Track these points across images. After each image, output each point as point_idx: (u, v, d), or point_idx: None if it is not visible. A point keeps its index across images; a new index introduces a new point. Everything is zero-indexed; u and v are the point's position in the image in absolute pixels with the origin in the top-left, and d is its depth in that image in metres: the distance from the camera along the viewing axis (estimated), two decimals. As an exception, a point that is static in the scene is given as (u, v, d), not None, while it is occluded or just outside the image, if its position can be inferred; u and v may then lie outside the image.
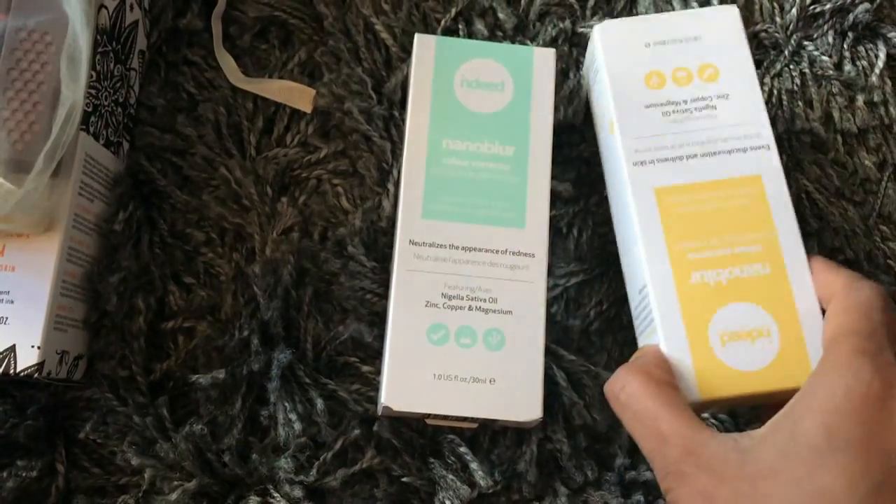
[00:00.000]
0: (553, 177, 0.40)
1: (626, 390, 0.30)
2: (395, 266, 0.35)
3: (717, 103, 0.36)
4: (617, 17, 0.44)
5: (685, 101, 0.36)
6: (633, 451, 0.38)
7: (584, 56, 0.43)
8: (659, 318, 0.33)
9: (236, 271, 0.39)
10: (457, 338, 0.34)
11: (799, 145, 0.43)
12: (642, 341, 0.35)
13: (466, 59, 0.37)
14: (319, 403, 0.36)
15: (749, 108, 0.36)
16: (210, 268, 0.40)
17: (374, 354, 0.38)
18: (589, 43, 0.40)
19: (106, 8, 0.36)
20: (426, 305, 0.34)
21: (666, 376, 0.31)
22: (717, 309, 0.33)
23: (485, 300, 0.35)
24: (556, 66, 0.40)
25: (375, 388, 0.38)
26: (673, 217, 0.34)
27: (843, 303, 0.29)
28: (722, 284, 0.33)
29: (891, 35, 0.44)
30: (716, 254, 0.34)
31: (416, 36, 0.37)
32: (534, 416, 0.34)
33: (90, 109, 0.36)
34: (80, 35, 0.33)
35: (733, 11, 0.38)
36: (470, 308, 0.35)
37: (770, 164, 0.35)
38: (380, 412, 0.35)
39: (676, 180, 0.35)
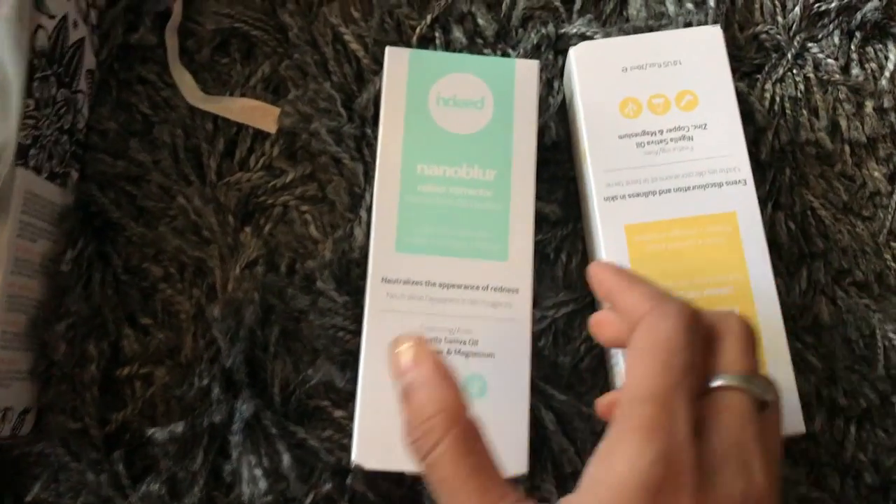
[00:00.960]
0: (539, 197, 0.37)
1: (433, 454, 0.25)
2: (366, 307, 0.32)
3: (693, 134, 0.35)
4: (605, 20, 0.41)
5: (661, 132, 0.35)
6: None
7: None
8: (622, 367, 0.31)
9: (197, 309, 0.36)
10: None
11: (803, 158, 0.39)
12: (612, 383, 0.34)
13: (442, 73, 0.34)
14: (286, 459, 0.33)
15: (727, 140, 0.35)
16: (169, 306, 0.37)
17: (348, 397, 0.36)
18: (566, 64, 0.37)
19: (43, 28, 0.33)
20: None
21: (481, 443, 0.26)
22: None
23: (465, 342, 0.32)
24: (540, 78, 0.37)
25: (349, 434, 0.35)
26: (643, 256, 0.33)
27: (642, 344, 0.25)
28: None
29: (902, 36, 0.40)
30: (685, 296, 0.32)
31: (387, 49, 0.34)
32: (519, 471, 0.31)
33: (29, 142, 0.32)
34: (7, 64, 0.30)
35: (715, 32, 0.36)
36: (449, 352, 0.32)
37: (746, 200, 0.34)
38: (353, 466, 0.32)
39: (648, 217, 0.34)
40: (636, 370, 0.25)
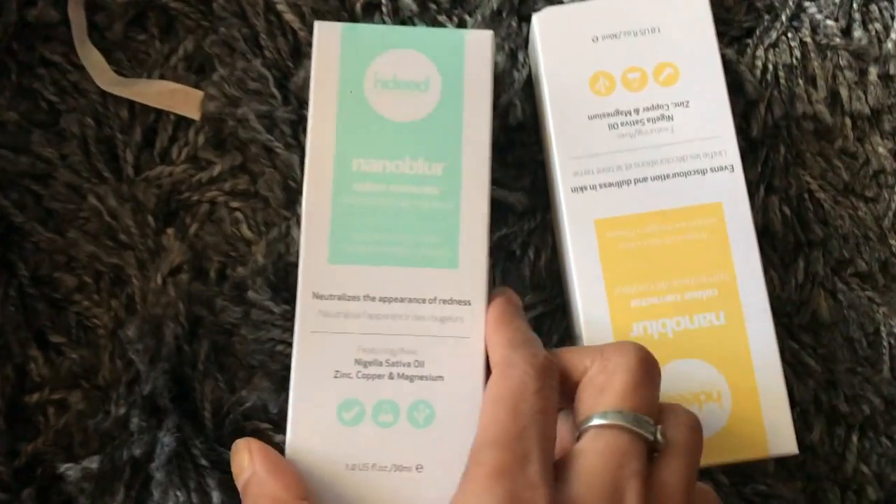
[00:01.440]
0: (503, 185, 0.33)
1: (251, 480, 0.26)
2: (296, 327, 0.27)
3: (673, 112, 0.30)
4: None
5: (636, 111, 0.30)
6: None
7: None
8: None
9: (115, 324, 0.32)
10: (374, 415, 0.27)
11: (800, 134, 0.35)
12: None
13: (380, 50, 0.29)
14: (216, 496, 0.29)
15: (712, 119, 0.30)
16: (84, 321, 0.32)
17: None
18: (529, 33, 0.32)
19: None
20: (336, 376, 0.27)
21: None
22: (661, 366, 0.27)
23: (409, 364, 0.28)
24: (498, 51, 0.32)
25: (291, 462, 0.31)
26: (614, 255, 0.29)
27: (492, 393, 0.25)
28: (667, 337, 0.29)
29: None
30: (663, 300, 0.29)
31: (316, 25, 0.29)
32: None
33: None
34: None
35: None
36: (391, 376, 0.27)
37: (734, 189, 0.30)
38: None
39: (620, 210, 0.30)
40: (486, 418, 0.25)
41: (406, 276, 0.28)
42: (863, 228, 0.34)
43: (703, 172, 0.30)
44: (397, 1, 0.35)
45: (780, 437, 0.28)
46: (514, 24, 0.35)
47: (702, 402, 0.28)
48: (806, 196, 0.35)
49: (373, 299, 0.28)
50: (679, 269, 0.29)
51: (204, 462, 0.30)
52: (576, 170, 0.30)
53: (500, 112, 0.33)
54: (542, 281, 0.33)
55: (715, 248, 0.29)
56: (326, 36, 0.29)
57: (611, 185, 0.30)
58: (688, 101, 0.30)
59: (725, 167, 0.30)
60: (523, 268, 0.34)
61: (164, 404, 0.31)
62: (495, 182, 0.31)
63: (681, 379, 0.28)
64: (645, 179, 0.30)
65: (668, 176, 0.30)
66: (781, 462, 0.32)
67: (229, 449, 0.31)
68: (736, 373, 0.28)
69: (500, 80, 0.34)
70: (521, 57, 0.35)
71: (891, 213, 0.35)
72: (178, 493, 0.30)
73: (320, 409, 0.27)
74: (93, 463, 0.30)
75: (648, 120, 0.30)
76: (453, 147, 0.29)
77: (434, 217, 0.28)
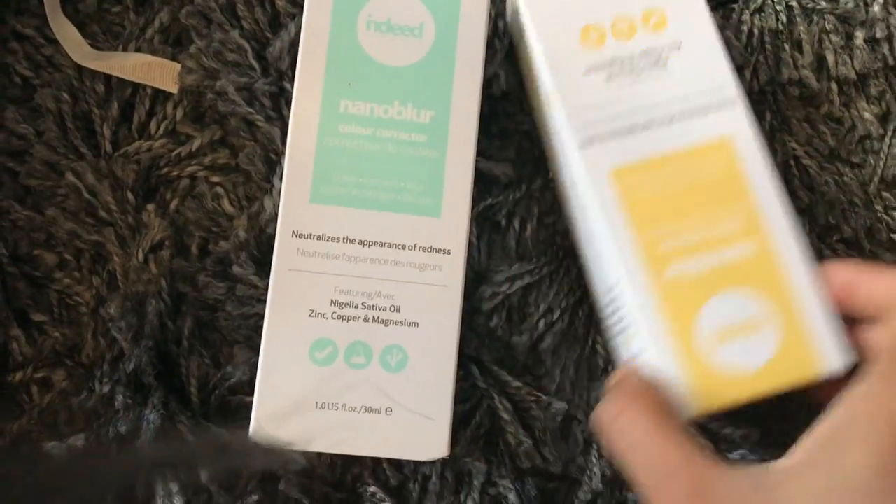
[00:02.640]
0: (488, 156, 0.33)
1: (620, 419, 0.26)
2: (273, 264, 0.27)
3: (668, 55, 0.30)
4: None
5: (630, 59, 0.30)
6: (593, 499, 0.31)
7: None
8: (635, 325, 0.28)
9: (98, 301, 0.32)
10: (347, 356, 0.27)
11: (786, 100, 0.35)
12: (618, 348, 0.30)
13: None
14: (203, 474, 0.29)
15: (706, 57, 0.30)
16: (66, 298, 0.32)
17: (276, 394, 0.31)
18: None
19: None
20: (310, 315, 0.27)
21: (663, 399, 0.26)
22: (702, 305, 0.27)
23: (385, 309, 0.28)
24: (490, 4, 0.32)
25: (278, 436, 0.31)
26: (636, 202, 0.29)
27: None
28: (703, 275, 0.28)
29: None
30: (691, 239, 0.28)
31: None
32: (438, 454, 0.27)
33: None
34: None
35: None
36: (366, 319, 0.28)
37: (739, 122, 0.29)
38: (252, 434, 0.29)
39: (632, 157, 0.29)
40: None
41: (387, 221, 0.28)
42: (848, 194, 0.34)
43: (706, 110, 0.29)
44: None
45: (834, 351, 0.28)
46: (497, -11, 0.34)
47: (748, 332, 0.28)
48: (792, 163, 0.34)
49: (352, 242, 0.28)
50: (701, 207, 0.29)
51: (191, 437, 0.30)
52: (582, 124, 0.29)
53: (485, 82, 0.33)
54: (526, 252, 0.33)
55: (732, 180, 0.29)
56: None
57: (618, 133, 0.29)
58: (680, 43, 0.30)
59: (727, 102, 0.29)
60: (509, 238, 0.33)
61: (149, 381, 0.30)
62: (480, 153, 0.31)
63: (725, 314, 0.28)
64: (650, 124, 0.29)
65: (672, 119, 0.29)
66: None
67: (216, 424, 0.31)
68: (775, 297, 0.28)
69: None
70: (500, 25, 0.34)
71: (876, 179, 0.35)
72: (166, 469, 0.30)
73: (293, 347, 0.27)
74: (78, 441, 0.30)
75: (644, 67, 0.30)
76: (443, 95, 0.29)
77: (419, 164, 0.28)
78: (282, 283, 0.27)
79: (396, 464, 0.31)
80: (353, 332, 0.27)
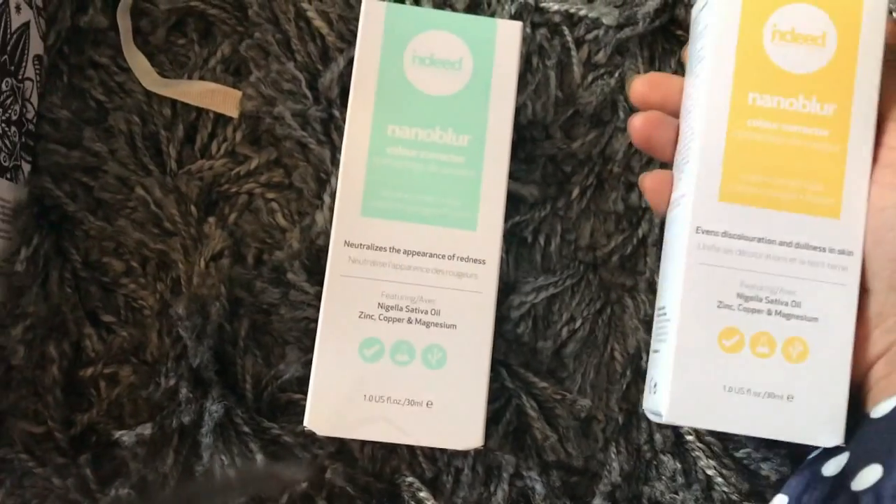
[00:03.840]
0: (516, 178, 0.36)
1: None
2: (327, 271, 0.30)
3: None
4: (581, -10, 0.39)
5: None
6: (612, 491, 0.34)
7: (549, 40, 0.38)
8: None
9: (161, 305, 0.35)
10: (392, 354, 0.30)
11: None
12: None
13: (420, 30, 0.32)
14: (259, 458, 0.32)
15: None
16: (132, 302, 0.35)
17: (322, 391, 0.34)
18: None
19: (-18, 13, 0.31)
20: (360, 317, 0.30)
21: None
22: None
23: (426, 312, 0.31)
24: (522, 41, 0.35)
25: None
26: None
27: None
28: None
29: None
30: None
31: (364, 2, 0.32)
32: (473, 444, 0.30)
33: (-28, 135, 0.31)
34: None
35: None
36: (409, 321, 0.31)
37: None
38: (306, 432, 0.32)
39: None
40: None
41: (429, 233, 0.31)
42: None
43: None
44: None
45: None
46: (528, 30, 0.38)
47: None
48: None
49: (398, 251, 0.31)
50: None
51: (246, 429, 0.33)
52: None
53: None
54: (551, 265, 0.36)
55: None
56: (372, 12, 0.32)
57: None
58: None
59: None
60: (535, 253, 0.36)
61: (210, 377, 0.33)
62: (509, 175, 0.34)
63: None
64: None
65: None
66: None
67: (268, 419, 0.34)
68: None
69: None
70: (534, 62, 0.38)
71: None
72: (224, 458, 0.33)
73: (344, 345, 0.30)
74: (146, 429, 0.32)
75: None
76: (480, 122, 0.32)
77: (458, 183, 0.31)
78: (335, 287, 0.31)
79: (431, 457, 0.34)
80: (398, 332, 0.31)
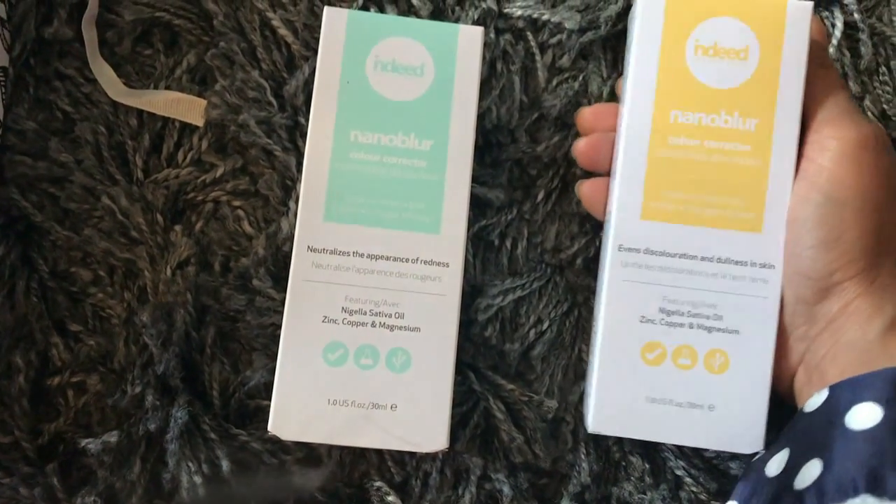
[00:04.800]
0: (482, 182, 0.37)
1: None
2: (290, 276, 0.31)
3: None
4: (544, -4, 0.39)
5: None
6: (581, 492, 0.34)
7: (513, 45, 0.38)
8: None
9: (128, 313, 0.35)
10: (356, 358, 0.31)
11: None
12: None
13: (382, 37, 0.33)
14: (225, 464, 0.32)
15: None
16: (99, 311, 0.35)
17: (290, 397, 0.35)
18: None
19: (-56, 25, 0.31)
20: (323, 321, 0.31)
21: None
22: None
23: (390, 315, 0.31)
24: (483, 46, 0.35)
25: (292, 435, 0.34)
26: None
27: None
28: None
29: (847, 1, 0.39)
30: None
31: (326, 9, 0.32)
32: (438, 446, 0.30)
33: (-65, 146, 0.31)
34: None
35: None
36: (373, 324, 0.31)
37: None
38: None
39: None
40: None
41: (393, 237, 0.31)
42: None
43: None
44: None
45: None
46: (492, 36, 0.38)
47: None
48: None
49: (361, 255, 0.31)
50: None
51: (213, 436, 0.33)
52: None
53: (479, 115, 0.37)
54: (518, 269, 0.37)
55: None
56: (334, 20, 0.32)
57: None
58: None
59: None
60: (501, 256, 0.37)
61: (176, 384, 0.33)
62: (475, 180, 0.35)
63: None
64: None
65: None
66: None
67: (236, 425, 0.34)
68: None
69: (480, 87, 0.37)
70: (498, 67, 0.38)
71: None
72: (191, 464, 0.33)
73: (308, 349, 0.30)
74: (112, 437, 0.32)
75: None
76: (442, 126, 0.32)
77: (421, 187, 0.32)
78: (298, 292, 0.31)
79: (400, 461, 0.34)
80: (362, 336, 0.31)
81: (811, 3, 0.31)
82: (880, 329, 0.28)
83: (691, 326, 0.30)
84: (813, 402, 0.27)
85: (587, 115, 0.34)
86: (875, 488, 0.23)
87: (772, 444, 0.28)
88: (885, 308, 0.28)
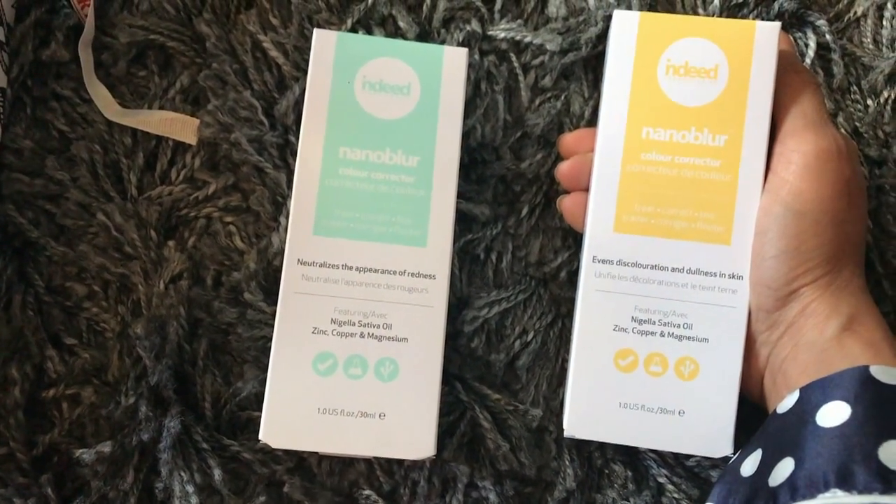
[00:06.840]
0: (468, 198, 0.38)
1: None
2: (281, 288, 0.32)
3: None
4: (527, 19, 0.41)
5: None
6: (566, 499, 0.35)
7: (497, 66, 0.39)
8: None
9: (122, 327, 0.36)
10: (345, 368, 0.31)
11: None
12: None
13: (370, 57, 0.34)
14: (217, 474, 0.33)
15: None
16: (94, 325, 0.36)
17: (281, 408, 0.35)
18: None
19: (-55, 48, 0.32)
20: (313, 332, 0.31)
21: None
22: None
23: (378, 326, 0.32)
24: (468, 67, 0.37)
25: (283, 445, 0.35)
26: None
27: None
28: None
29: (819, 23, 0.41)
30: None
31: (315, 31, 0.34)
32: (426, 453, 0.31)
33: (-65, 164, 0.32)
34: None
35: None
36: (362, 335, 0.32)
37: None
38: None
39: None
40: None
41: (381, 250, 0.32)
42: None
43: None
44: (370, 38, 0.40)
45: None
46: (476, 57, 0.40)
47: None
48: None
49: (350, 268, 0.32)
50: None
51: (205, 446, 0.34)
52: None
53: (464, 133, 0.38)
54: (503, 281, 0.38)
55: None
56: (323, 42, 0.34)
57: None
58: None
59: None
60: (487, 270, 0.38)
61: (169, 395, 0.34)
62: (461, 195, 0.36)
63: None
64: None
65: None
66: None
67: (227, 436, 0.35)
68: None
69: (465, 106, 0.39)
70: (483, 87, 0.39)
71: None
72: (183, 473, 0.33)
73: (298, 360, 0.31)
74: (105, 447, 0.33)
75: None
76: (428, 143, 0.33)
77: (408, 201, 0.33)
78: (288, 303, 0.32)
79: (388, 470, 0.35)
80: (351, 346, 0.32)
81: (778, 24, 0.32)
82: (836, 328, 0.29)
83: (662, 335, 0.31)
84: (785, 403, 0.28)
85: (569, 140, 0.35)
86: (844, 483, 0.23)
87: (745, 446, 0.29)
88: (841, 308, 0.29)
